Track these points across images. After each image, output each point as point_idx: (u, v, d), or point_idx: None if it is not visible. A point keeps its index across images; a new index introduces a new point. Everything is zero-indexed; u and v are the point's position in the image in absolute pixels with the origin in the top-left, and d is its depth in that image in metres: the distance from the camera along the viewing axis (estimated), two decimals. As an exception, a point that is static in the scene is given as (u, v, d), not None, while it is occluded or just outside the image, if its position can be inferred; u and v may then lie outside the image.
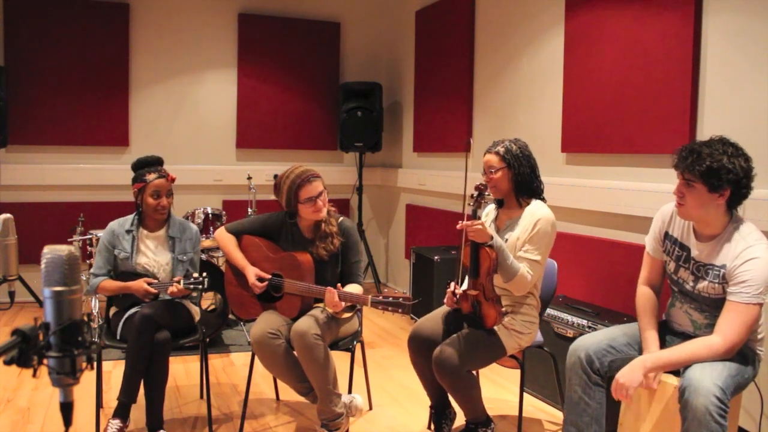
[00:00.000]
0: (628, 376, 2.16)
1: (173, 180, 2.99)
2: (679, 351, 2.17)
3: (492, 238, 2.49)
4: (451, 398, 2.75)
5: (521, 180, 2.65)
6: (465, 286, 2.67)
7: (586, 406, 2.35)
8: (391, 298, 2.57)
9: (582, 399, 2.35)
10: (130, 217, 3.02)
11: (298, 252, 2.87)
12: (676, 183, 2.25)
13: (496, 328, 2.59)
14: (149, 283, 2.85)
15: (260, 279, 2.87)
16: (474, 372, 2.71)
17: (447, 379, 2.54)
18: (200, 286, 2.77)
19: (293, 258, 2.84)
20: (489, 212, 2.84)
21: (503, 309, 2.57)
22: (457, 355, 2.49)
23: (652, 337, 2.33)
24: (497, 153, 2.66)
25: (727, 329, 2.12)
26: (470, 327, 2.62)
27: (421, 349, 2.69)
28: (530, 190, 2.68)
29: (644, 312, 2.42)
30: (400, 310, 2.55)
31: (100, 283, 2.93)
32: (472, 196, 2.52)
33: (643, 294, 2.47)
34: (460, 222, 2.45)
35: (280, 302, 2.87)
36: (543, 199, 2.71)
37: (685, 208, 2.22)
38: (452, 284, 2.66)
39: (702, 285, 2.26)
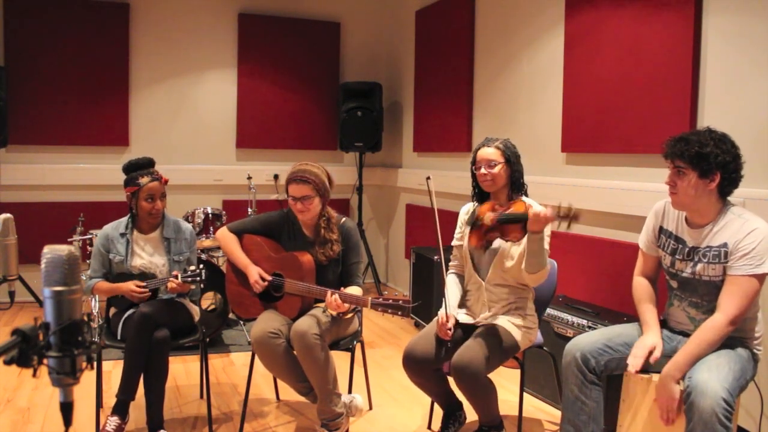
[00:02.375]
0: (666, 393, 2.16)
1: (166, 182, 2.99)
2: (691, 346, 2.17)
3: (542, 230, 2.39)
4: (464, 400, 2.73)
5: (516, 177, 2.68)
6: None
7: (582, 405, 2.35)
8: (391, 301, 2.56)
9: (578, 398, 2.36)
10: (124, 220, 3.01)
11: (300, 252, 2.88)
12: (668, 176, 2.28)
13: (508, 328, 2.60)
14: (144, 283, 2.85)
15: (262, 279, 2.87)
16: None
17: (467, 386, 2.51)
18: (198, 278, 2.77)
19: (294, 258, 2.85)
20: (469, 210, 2.84)
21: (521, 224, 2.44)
22: (476, 361, 2.46)
23: (652, 320, 2.34)
24: (498, 148, 2.67)
25: (728, 303, 2.15)
26: (487, 330, 2.59)
27: (417, 369, 2.67)
28: (520, 188, 2.70)
29: (641, 298, 2.43)
30: (399, 313, 2.54)
31: (95, 285, 2.93)
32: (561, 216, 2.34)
33: (639, 283, 2.49)
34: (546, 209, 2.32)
35: (281, 302, 2.87)
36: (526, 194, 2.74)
37: (678, 196, 2.25)
38: (442, 314, 2.65)
39: (700, 267, 2.26)
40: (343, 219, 2.99)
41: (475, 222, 2.56)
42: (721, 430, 1.97)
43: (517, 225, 2.41)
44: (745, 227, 2.16)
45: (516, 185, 2.68)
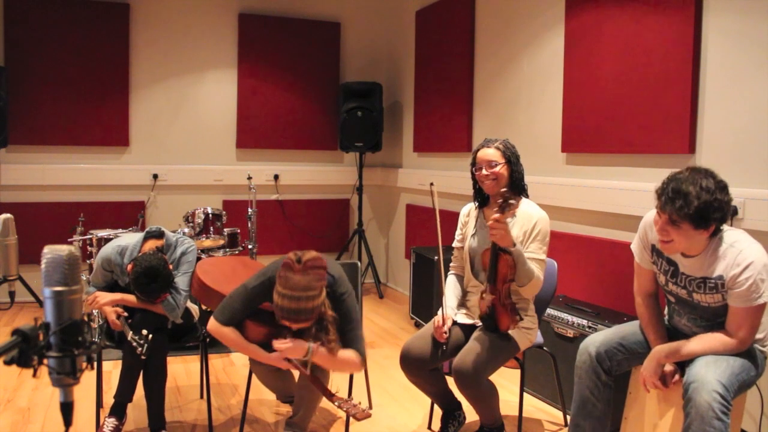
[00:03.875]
0: (649, 368, 2.23)
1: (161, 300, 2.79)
2: (696, 345, 2.19)
3: (514, 244, 2.45)
4: (463, 400, 2.74)
5: (517, 177, 2.67)
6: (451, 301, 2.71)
7: (593, 407, 2.34)
8: (351, 406, 2.36)
9: (590, 399, 2.34)
10: (127, 249, 2.88)
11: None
12: (660, 222, 2.17)
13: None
14: (118, 315, 2.75)
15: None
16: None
17: (470, 391, 2.52)
18: (140, 349, 2.56)
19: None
20: (470, 212, 2.83)
21: (517, 317, 2.56)
22: (477, 365, 2.46)
23: (661, 339, 2.33)
24: (497, 148, 2.67)
25: (738, 330, 2.15)
26: (484, 328, 2.61)
27: (414, 369, 2.67)
28: (521, 189, 2.70)
29: (650, 325, 2.38)
30: (356, 416, 2.34)
31: (93, 293, 2.85)
32: (499, 202, 2.39)
33: (642, 305, 2.44)
34: (494, 216, 2.37)
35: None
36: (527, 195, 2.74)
37: (672, 245, 2.18)
38: (439, 317, 2.65)
39: (698, 296, 2.25)
40: (329, 285, 2.48)
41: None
42: (717, 425, 1.96)
43: (504, 316, 2.55)
44: (740, 259, 2.12)
45: (516, 186, 2.67)
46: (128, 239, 2.95)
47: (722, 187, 2.12)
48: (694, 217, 2.08)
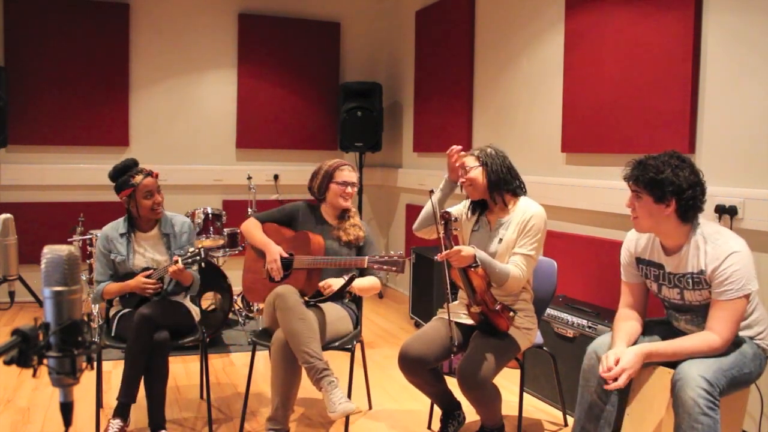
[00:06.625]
0: (625, 359, 2.13)
1: (158, 175, 2.99)
2: (678, 344, 2.18)
3: (475, 257, 2.48)
4: (463, 400, 2.73)
5: (496, 177, 2.65)
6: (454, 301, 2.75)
7: (600, 410, 2.33)
8: (386, 257, 2.74)
9: (597, 404, 2.32)
10: (121, 221, 3.01)
11: (311, 232, 2.99)
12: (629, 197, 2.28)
13: (508, 330, 2.60)
14: (148, 275, 2.87)
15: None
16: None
17: (475, 394, 2.52)
18: (198, 257, 2.80)
19: (305, 235, 2.97)
20: (462, 217, 2.82)
21: (511, 314, 2.57)
22: (483, 370, 2.46)
23: (619, 340, 2.29)
24: (471, 154, 2.73)
25: (722, 327, 2.13)
26: (485, 334, 2.62)
27: (412, 369, 2.66)
28: (509, 188, 2.68)
29: (617, 329, 2.35)
30: (394, 269, 2.71)
31: (104, 288, 2.92)
32: (441, 224, 2.52)
33: (620, 315, 2.41)
34: (439, 254, 2.49)
35: (288, 279, 2.94)
36: (525, 194, 2.74)
37: (638, 220, 2.26)
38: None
39: (689, 294, 2.26)
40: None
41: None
42: (705, 421, 1.96)
43: (500, 318, 2.57)
44: (720, 252, 2.13)
45: (497, 185, 2.65)
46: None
47: (687, 167, 2.17)
48: (648, 185, 2.16)
